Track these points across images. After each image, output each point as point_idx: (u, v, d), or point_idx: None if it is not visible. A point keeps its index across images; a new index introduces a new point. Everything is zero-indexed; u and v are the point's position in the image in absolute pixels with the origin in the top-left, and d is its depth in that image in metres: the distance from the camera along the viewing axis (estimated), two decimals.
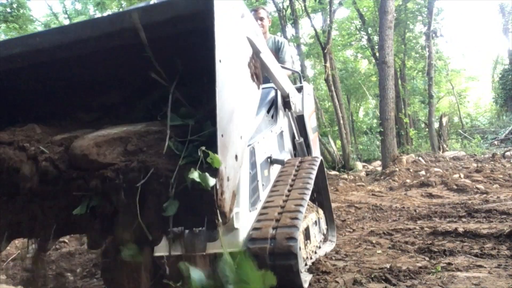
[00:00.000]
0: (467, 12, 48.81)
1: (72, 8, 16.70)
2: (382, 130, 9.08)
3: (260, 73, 1.69)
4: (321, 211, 3.00)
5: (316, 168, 2.76)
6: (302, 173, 2.63)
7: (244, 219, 2.01)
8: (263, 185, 2.34)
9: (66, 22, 17.48)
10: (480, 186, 5.94)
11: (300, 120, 3.43)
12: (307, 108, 3.53)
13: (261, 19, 4.04)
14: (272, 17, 14.14)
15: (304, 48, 15.26)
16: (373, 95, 18.53)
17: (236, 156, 1.39)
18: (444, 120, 14.47)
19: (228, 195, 1.27)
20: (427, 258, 2.79)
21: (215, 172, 1.23)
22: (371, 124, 18.35)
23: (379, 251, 3.10)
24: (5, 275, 3.21)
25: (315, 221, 2.71)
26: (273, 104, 2.96)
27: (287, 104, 2.96)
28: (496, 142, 14.58)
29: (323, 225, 2.99)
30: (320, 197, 3.24)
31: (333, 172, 9.59)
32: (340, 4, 12.68)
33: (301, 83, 3.77)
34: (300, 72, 3.99)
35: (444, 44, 18.41)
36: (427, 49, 13.61)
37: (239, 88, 1.52)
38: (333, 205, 5.69)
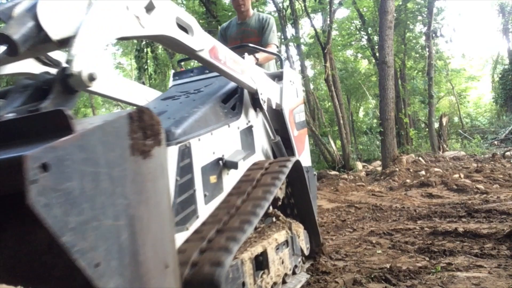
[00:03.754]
0: (467, 12, 48.79)
1: None
2: (382, 130, 9.08)
3: (153, 131, 1.09)
4: (300, 227, 2.42)
5: (285, 171, 2.15)
6: (267, 178, 2.07)
7: None
8: (205, 195, 1.82)
9: None
10: (480, 186, 5.94)
11: (278, 114, 2.76)
12: (287, 99, 2.81)
13: None
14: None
15: (304, 48, 15.26)
16: (373, 95, 18.52)
17: (166, 265, 1.11)
18: (444, 120, 14.45)
19: None
20: (427, 258, 2.79)
21: None
22: (371, 124, 18.33)
23: (379, 251, 3.10)
24: None
25: (284, 242, 2.17)
26: (236, 93, 2.38)
27: (256, 102, 2.40)
28: (496, 142, 14.57)
29: (303, 244, 2.40)
30: (300, 209, 2.58)
31: (333, 172, 9.58)
32: (340, 4, 12.67)
33: (282, 68, 3.05)
34: (281, 56, 3.33)
35: (444, 44, 18.36)
36: (427, 49, 13.60)
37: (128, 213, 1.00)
38: (333, 205, 5.73)
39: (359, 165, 10.99)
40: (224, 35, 3.63)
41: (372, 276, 2.44)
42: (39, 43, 1.15)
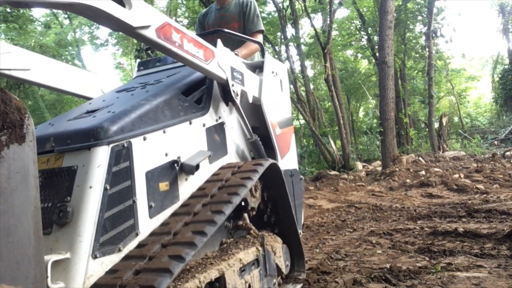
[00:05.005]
0: (467, 12, 48.80)
1: None
2: (382, 130, 9.09)
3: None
4: (277, 242, 2.05)
5: (254, 177, 1.81)
6: (230, 185, 1.74)
7: (78, 272, 1.20)
8: (151, 207, 1.50)
9: (66, 22, 17.50)
10: (480, 186, 5.95)
11: (257, 110, 2.37)
12: (269, 93, 2.43)
13: None
14: (272, 17, 14.16)
15: (304, 48, 15.27)
16: (373, 95, 18.53)
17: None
18: (444, 120, 14.46)
19: None
20: (427, 258, 2.79)
21: None
22: (371, 124, 18.35)
23: (379, 251, 3.10)
24: None
25: (254, 262, 1.81)
26: (203, 84, 2.03)
27: (227, 95, 2.04)
28: (496, 142, 14.59)
29: (280, 262, 2.04)
30: (280, 220, 2.20)
31: (333, 172, 9.59)
32: (340, 4, 12.68)
33: (263, 57, 2.59)
34: (262, 43, 2.79)
35: (444, 44, 18.36)
36: (427, 49, 13.61)
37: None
38: (333, 205, 5.74)
39: (359, 165, 11.00)
40: (202, 23, 3.24)
41: (372, 276, 2.44)
42: None
